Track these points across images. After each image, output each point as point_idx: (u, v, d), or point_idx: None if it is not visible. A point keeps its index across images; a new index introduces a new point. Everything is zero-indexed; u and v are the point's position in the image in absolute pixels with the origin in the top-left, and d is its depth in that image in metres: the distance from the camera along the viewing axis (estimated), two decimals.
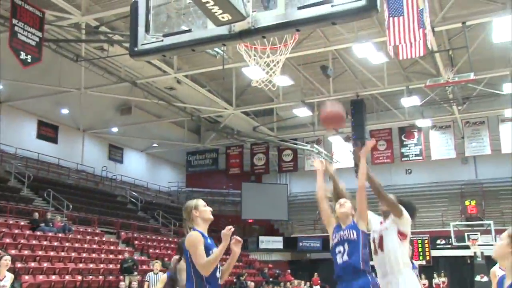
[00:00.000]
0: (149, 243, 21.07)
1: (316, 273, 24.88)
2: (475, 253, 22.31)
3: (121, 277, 15.89)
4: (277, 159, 27.71)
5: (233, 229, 3.87)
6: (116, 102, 23.05)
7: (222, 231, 3.90)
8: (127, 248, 19.46)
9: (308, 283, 24.10)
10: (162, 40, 4.36)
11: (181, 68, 18.90)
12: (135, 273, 15.90)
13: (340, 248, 4.43)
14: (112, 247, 18.73)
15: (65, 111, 23.26)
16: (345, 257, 4.39)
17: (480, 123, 23.16)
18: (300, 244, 26.90)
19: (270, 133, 25.33)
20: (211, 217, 4.04)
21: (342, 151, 25.18)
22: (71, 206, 19.60)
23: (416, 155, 23.96)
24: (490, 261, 19.66)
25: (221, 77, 17.97)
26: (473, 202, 24.35)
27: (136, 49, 4.44)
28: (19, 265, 13.55)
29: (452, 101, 21.32)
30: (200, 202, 4.05)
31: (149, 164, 30.50)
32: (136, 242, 20.57)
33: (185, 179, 31.88)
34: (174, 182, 31.31)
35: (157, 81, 19.57)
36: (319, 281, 24.73)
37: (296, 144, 25.63)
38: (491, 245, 22.29)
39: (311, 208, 30.47)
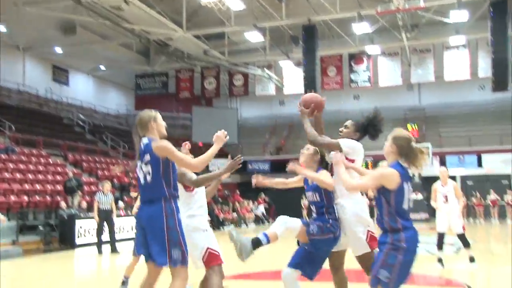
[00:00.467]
0: (97, 165, 20.94)
1: (262, 193, 25.64)
2: (413, 173, 23.65)
3: (62, 197, 15.80)
4: (228, 84, 27.56)
5: (226, 134, 3.92)
6: (59, 20, 21.77)
7: (216, 134, 3.91)
8: (75, 170, 19.30)
9: (255, 203, 25.01)
10: None
11: None
12: (79, 192, 15.76)
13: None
14: (59, 169, 18.51)
15: (1, 28, 21.78)
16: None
17: (426, 50, 23.72)
18: (249, 166, 27.49)
19: (221, 57, 24.96)
20: (165, 133, 3.91)
21: (292, 76, 25.31)
22: (13, 127, 18.97)
23: (364, 81, 24.47)
24: (426, 181, 20.98)
25: None
26: (415, 127, 25.40)
27: None
28: None
29: (402, 28, 21.56)
30: (159, 115, 3.91)
31: (97, 87, 29.59)
32: (84, 164, 20.40)
33: (134, 102, 31.27)
34: (122, 105, 30.68)
35: (103, 0, 18.54)
36: (265, 201, 25.64)
37: (247, 68, 25.45)
38: (427, 165, 23.70)
39: (260, 132, 31.01)
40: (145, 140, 3.76)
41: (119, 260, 11.16)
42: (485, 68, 22.24)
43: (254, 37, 21.81)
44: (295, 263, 4.21)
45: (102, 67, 27.85)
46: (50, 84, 25.84)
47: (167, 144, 3.69)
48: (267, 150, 29.63)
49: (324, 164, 4.46)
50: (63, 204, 15.01)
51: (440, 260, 8.18)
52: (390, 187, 3.42)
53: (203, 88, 27.01)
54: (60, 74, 26.85)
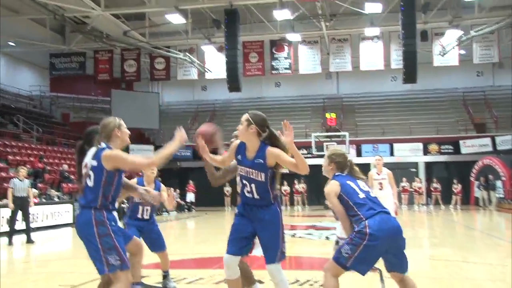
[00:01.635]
0: (7, 149, 19.64)
1: (190, 181, 25.41)
2: None
3: None
4: (149, 67, 26.85)
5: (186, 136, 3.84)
6: None
7: (178, 132, 3.82)
8: None
9: (178, 190, 24.60)
10: None
11: None
12: None
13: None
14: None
15: None
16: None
17: (344, 40, 24.45)
18: None
19: (142, 38, 24.25)
20: (129, 141, 3.89)
21: (215, 61, 25.10)
22: None
23: (285, 68, 24.80)
24: None
25: None
26: (333, 115, 26.17)
27: None
28: None
29: (321, 17, 22.02)
30: (123, 122, 3.89)
31: (6, 65, 27.63)
32: None
33: (48, 83, 29.60)
34: (36, 86, 28.93)
35: None
36: (194, 188, 25.38)
37: (169, 52, 24.91)
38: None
39: (183, 118, 30.57)
40: (102, 145, 3.77)
41: (34, 250, 10.57)
42: (396, 60, 23.32)
43: (175, 19, 21.36)
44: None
45: (12, 43, 26.00)
46: None
47: (117, 153, 3.70)
48: (189, 137, 29.19)
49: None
50: None
51: None
52: (338, 194, 3.89)
53: (123, 70, 26.10)
54: None
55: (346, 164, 4.06)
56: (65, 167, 20.06)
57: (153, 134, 30.61)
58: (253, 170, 3.87)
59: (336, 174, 4.03)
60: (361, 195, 3.83)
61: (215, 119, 30.26)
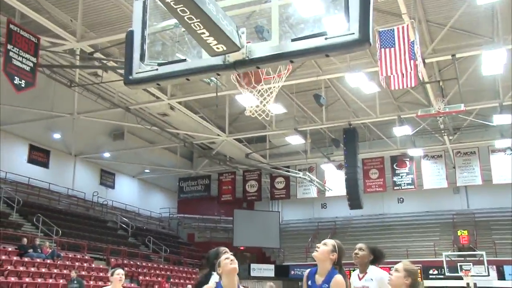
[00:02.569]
0: (139, 269, 20.75)
1: None
2: (468, 284, 22.13)
3: None
4: (269, 186, 27.61)
5: None
6: (109, 127, 23.03)
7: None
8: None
9: None
10: (157, 69, 4.36)
11: (174, 95, 18.95)
12: None
13: None
14: (101, 274, 18.42)
15: (57, 135, 23.16)
16: None
17: (471, 153, 23.29)
18: (292, 272, 26.66)
19: (262, 160, 25.32)
20: (232, 267, 3.71)
21: (334, 179, 25.18)
22: (60, 232, 19.34)
23: (408, 184, 23.98)
24: None
25: (214, 104, 18.00)
26: (465, 232, 24.26)
27: (130, 77, 4.43)
28: None
29: (443, 131, 21.48)
30: (223, 257, 3.79)
31: (141, 190, 30.28)
32: (126, 268, 20.22)
33: (176, 205, 31.64)
34: (165, 208, 31.06)
35: (150, 107, 19.59)
36: None
37: (288, 171, 25.60)
38: (484, 275, 22.15)
39: (303, 236, 30.34)
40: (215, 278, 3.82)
41: None
42: None
43: (295, 140, 22.18)
44: None
45: (147, 170, 28.69)
46: (97, 188, 26.66)
47: None
48: (310, 255, 28.74)
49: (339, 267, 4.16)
50: None
51: None
52: None
53: (245, 191, 27.14)
54: (107, 177, 27.77)
55: (418, 284, 3.71)
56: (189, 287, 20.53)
57: (273, 253, 30.59)
58: None
59: None
60: None
61: (335, 237, 29.52)
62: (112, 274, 6.71)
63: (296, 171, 25.70)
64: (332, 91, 19.70)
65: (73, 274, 16.46)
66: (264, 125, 22.09)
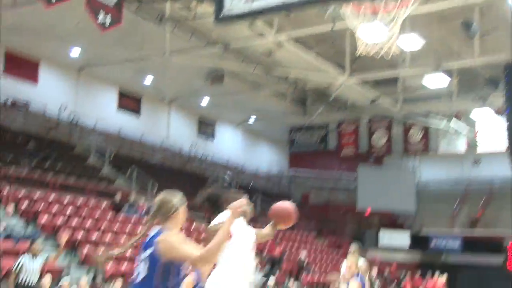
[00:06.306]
0: None
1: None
2: None
3: None
4: (402, 139, 26.86)
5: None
6: (206, 69, 23.49)
7: (232, 204, 3.85)
8: None
9: None
10: (252, 2, 4.20)
11: (282, 29, 18.67)
12: None
13: None
14: (203, 236, 19.44)
15: (148, 80, 24.17)
16: None
17: None
18: (433, 243, 26.02)
19: (393, 106, 24.51)
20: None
21: (489, 129, 23.82)
22: (156, 187, 20.51)
23: None
24: None
25: (332, 38, 17.53)
26: None
27: (221, 14, 4.34)
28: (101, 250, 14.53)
29: None
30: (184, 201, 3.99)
31: (245, 142, 30.97)
32: None
33: (287, 160, 32.01)
34: (274, 164, 31.57)
35: (254, 44, 19.57)
36: None
37: (427, 120, 24.60)
38: None
39: (447, 200, 29.37)
40: (154, 230, 3.83)
41: None
42: None
43: (436, 81, 21.08)
44: None
45: (252, 119, 29.14)
46: (194, 139, 27.71)
47: (173, 241, 3.71)
48: (456, 223, 27.88)
49: None
50: None
51: None
52: None
53: (371, 144, 26.68)
54: (205, 127, 28.72)
55: None
56: (304, 253, 21.04)
57: (407, 219, 30.05)
58: None
59: None
60: None
61: (492, 201, 28.25)
62: None
63: (438, 119, 24.64)
64: (487, 17, 18.21)
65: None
66: (395, 62, 21.14)
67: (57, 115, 21.73)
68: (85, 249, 14.50)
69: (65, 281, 11.33)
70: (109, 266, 14.27)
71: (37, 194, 15.94)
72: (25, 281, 8.86)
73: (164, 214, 3.88)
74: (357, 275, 6.83)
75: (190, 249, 3.74)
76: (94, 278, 12.78)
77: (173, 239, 3.74)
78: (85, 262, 14.30)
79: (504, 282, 20.68)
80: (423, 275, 23.44)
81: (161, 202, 3.92)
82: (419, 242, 26.74)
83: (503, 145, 20.58)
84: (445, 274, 22.04)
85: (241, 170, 29.53)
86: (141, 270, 3.78)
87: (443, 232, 26.98)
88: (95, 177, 19.71)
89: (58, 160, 19.00)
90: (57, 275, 11.76)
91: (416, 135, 26.07)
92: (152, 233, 3.85)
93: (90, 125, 22.91)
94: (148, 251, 3.76)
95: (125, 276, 14.10)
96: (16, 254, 9.93)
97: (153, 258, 3.72)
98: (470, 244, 25.00)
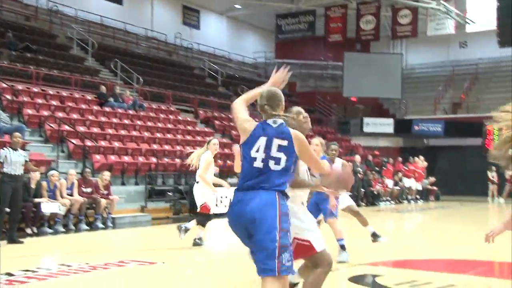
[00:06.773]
0: (231, 123, 21.55)
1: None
2: None
3: None
4: (390, 22, 26.43)
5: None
6: None
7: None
8: (206, 129, 20.08)
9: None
10: None
11: None
12: None
13: None
14: (189, 127, 19.42)
15: None
16: None
17: None
18: (416, 127, 26.29)
19: None
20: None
21: (479, 7, 23.49)
22: (141, 80, 20.24)
23: None
24: None
25: None
26: None
27: None
28: (88, 143, 14.48)
29: None
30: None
31: (231, 30, 30.36)
32: (216, 122, 21.13)
33: (274, 48, 31.57)
34: (260, 52, 31.15)
35: None
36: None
37: (417, 1, 24.10)
38: None
39: (432, 84, 29.48)
40: (279, 121, 3.77)
41: None
42: None
43: None
44: None
45: (238, 5, 28.35)
46: (179, 28, 27.05)
47: (304, 139, 3.79)
48: (440, 107, 28.12)
49: None
50: None
51: None
52: None
53: (359, 28, 26.22)
54: (190, 15, 28.00)
55: None
56: None
57: (393, 105, 30.23)
58: None
59: None
60: None
61: (476, 84, 28.41)
62: (208, 143, 8.95)
63: (427, 0, 24.14)
64: None
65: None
66: None
67: (35, 1, 20.94)
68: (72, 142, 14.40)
69: (53, 173, 11.34)
70: (97, 158, 14.28)
71: (20, 86, 15.61)
72: (10, 172, 9.14)
73: (277, 105, 3.84)
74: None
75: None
76: (82, 171, 12.78)
77: (304, 138, 3.77)
78: (72, 155, 14.29)
79: (481, 158, 21.13)
80: (405, 159, 23.85)
81: (275, 95, 3.87)
82: (403, 127, 26.99)
83: (492, 25, 20.33)
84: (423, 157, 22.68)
85: (227, 60, 29.16)
86: (275, 157, 3.67)
87: (426, 117, 27.24)
88: (78, 69, 19.27)
89: (39, 52, 18.47)
90: (45, 168, 11.69)
91: (404, 17, 25.59)
92: (277, 122, 3.78)
93: (71, 14, 22.18)
94: (285, 142, 3.69)
95: (113, 167, 14.30)
96: (4, 146, 9.82)
97: (291, 150, 3.69)
98: (452, 128, 25.36)
